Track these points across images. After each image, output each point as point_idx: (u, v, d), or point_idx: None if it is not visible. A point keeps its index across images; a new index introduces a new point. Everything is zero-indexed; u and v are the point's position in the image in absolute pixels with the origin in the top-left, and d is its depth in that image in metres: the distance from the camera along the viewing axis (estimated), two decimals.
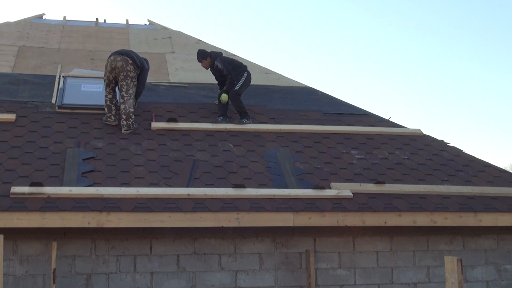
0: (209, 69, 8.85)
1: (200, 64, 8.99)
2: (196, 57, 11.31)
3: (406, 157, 8.28)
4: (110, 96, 8.19)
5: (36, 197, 6.46)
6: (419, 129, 9.04)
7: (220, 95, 8.50)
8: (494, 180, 8.02)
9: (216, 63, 8.61)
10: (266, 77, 10.35)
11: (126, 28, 12.21)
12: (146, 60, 8.68)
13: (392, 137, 8.74)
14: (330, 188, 7.32)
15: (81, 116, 8.24)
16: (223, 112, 8.51)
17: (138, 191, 6.76)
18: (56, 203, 6.42)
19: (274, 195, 7.02)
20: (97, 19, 12.86)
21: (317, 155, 8.04)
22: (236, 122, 8.38)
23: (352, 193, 7.23)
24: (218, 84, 8.88)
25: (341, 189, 7.26)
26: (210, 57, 8.71)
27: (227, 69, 8.55)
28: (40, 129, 7.82)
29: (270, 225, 6.82)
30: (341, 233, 7.26)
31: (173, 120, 8.29)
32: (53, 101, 8.52)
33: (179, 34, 12.01)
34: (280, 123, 8.67)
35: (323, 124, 8.77)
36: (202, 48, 11.32)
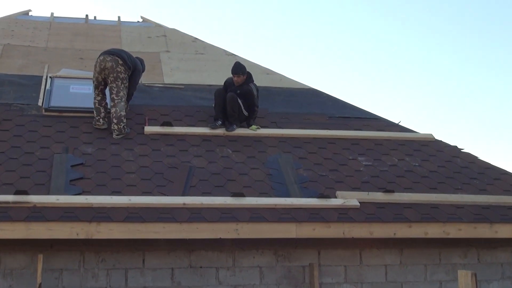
0: (231, 82, 8.52)
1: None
2: (190, 55, 11.24)
3: (417, 164, 8.28)
4: (99, 98, 8.20)
5: (21, 206, 6.45)
6: (431, 134, 9.06)
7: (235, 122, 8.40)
8: (511, 189, 8.02)
9: (251, 86, 8.45)
10: (267, 78, 10.36)
11: (118, 26, 12.24)
12: (141, 60, 8.68)
13: (402, 142, 8.75)
14: (335, 197, 7.32)
15: (69, 119, 8.25)
16: (218, 114, 8.43)
17: (130, 200, 6.77)
18: (42, 213, 6.42)
19: (275, 205, 7.03)
20: (87, 15, 12.89)
21: (321, 161, 8.05)
22: (227, 129, 8.36)
23: (359, 202, 7.23)
24: (224, 90, 8.54)
25: (347, 198, 7.27)
26: (246, 75, 8.51)
27: (257, 101, 8.49)
28: (26, 133, 7.83)
29: (271, 236, 6.82)
30: (348, 245, 7.26)
31: (168, 124, 8.29)
32: (40, 103, 8.53)
33: (175, 32, 12.03)
34: (282, 127, 8.68)
35: (328, 129, 8.78)
36: (199, 46, 11.40)
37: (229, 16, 29.02)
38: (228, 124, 8.41)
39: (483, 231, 7.26)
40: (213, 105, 8.58)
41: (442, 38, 27.30)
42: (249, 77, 8.55)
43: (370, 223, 7.02)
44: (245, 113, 8.46)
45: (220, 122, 8.36)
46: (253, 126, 8.49)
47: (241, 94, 8.38)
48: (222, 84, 8.77)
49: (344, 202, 7.19)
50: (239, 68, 8.47)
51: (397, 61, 27.79)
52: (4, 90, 8.83)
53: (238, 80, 8.44)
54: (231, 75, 8.56)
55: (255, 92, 8.46)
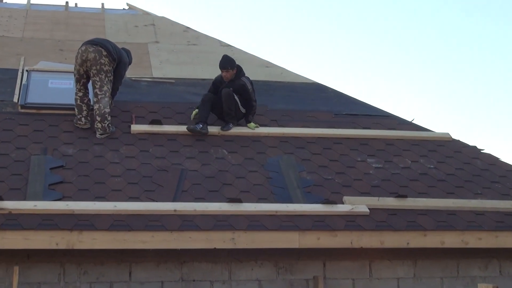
0: (221, 77, 8.49)
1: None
2: (181, 47, 11.21)
3: (432, 166, 8.29)
4: (80, 94, 8.20)
5: None
6: (448, 133, 9.07)
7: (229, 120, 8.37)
8: None
9: (244, 80, 8.41)
10: (267, 72, 10.37)
11: (102, 14, 12.25)
12: (128, 52, 8.68)
13: (416, 142, 8.76)
14: (342, 203, 7.33)
15: (48, 117, 8.24)
16: (203, 118, 8.25)
17: (115, 206, 6.76)
18: (18, 220, 6.41)
19: (276, 211, 7.03)
20: (67, 2, 12.91)
21: (327, 163, 8.05)
22: (222, 128, 8.34)
23: (369, 208, 7.24)
24: (210, 92, 8.53)
25: (355, 204, 7.27)
26: (236, 69, 8.48)
27: (254, 95, 8.46)
28: (0, 132, 7.82)
29: (272, 246, 6.82)
30: (356, 256, 7.27)
31: (157, 122, 8.30)
32: (15, 99, 8.53)
33: (164, 20, 12.05)
34: (283, 126, 8.68)
35: (334, 127, 8.79)
36: (191, 36, 11.41)
37: (224, 3, 29.03)
38: (224, 123, 8.40)
39: (506, 240, 7.27)
40: (197, 106, 8.43)
41: (458, 26, 27.35)
42: (239, 71, 8.52)
43: (381, 231, 7.02)
44: (243, 110, 8.46)
45: (200, 126, 8.16)
46: (252, 124, 8.48)
47: (235, 90, 8.36)
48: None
49: (352, 209, 7.19)
50: (228, 61, 8.44)
51: (410, 53, 27.79)
52: None
53: (227, 75, 8.41)
54: (236, 71, 8.50)
55: (249, 86, 8.45)
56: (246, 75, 8.60)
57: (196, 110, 8.40)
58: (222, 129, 8.32)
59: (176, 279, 6.92)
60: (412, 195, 7.62)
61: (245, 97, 8.43)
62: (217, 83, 8.58)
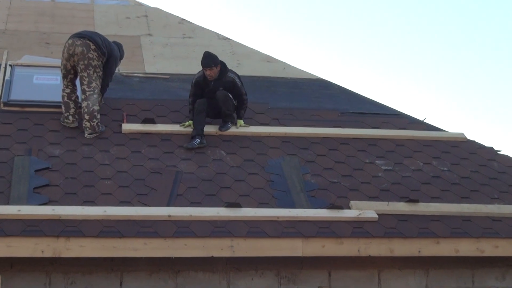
0: (204, 74, 8.37)
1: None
2: (176, 40, 11.19)
3: (445, 169, 8.29)
4: (68, 90, 8.20)
5: None
6: (462, 133, 9.07)
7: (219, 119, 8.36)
8: None
9: (231, 76, 8.38)
10: (268, 67, 10.37)
11: (91, 4, 12.26)
12: (119, 45, 8.68)
13: (428, 143, 8.77)
14: (349, 208, 7.35)
15: (33, 115, 8.24)
16: (200, 131, 8.12)
17: (105, 211, 6.77)
18: (0, 226, 6.41)
19: (278, 217, 7.04)
20: None
21: (332, 165, 8.06)
22: (220, 127, 8.33)
23: (378, 214, 7.25)
24: (196, 96, 8.40)
25: (363, 209, 7.28)
26: (220, 65, 8.39)
27: (244, 88, 8.43)
28: None
29: (273, 255, 6.83)
30: (364, 265, 7.27)
31: (150, 121, 8.30)
32: None
33: (158, 11, 12.06)
34: (285, 125, 8.69)
35: (341, 127, 8.79)
36: (187, 28, 11.40)
37: None
38: (222, 122, 8.39)
39: None
40: (192, 118, 8.31)
41: (472, 20, 27.36)
42: (223, 67, 8.44)
43: (390, 239, 7.03)
44: (235, 103, 8.46)
45: (198, 141, 8.03)
46: (241, 121, 8.45)
47: (226, 89, 8.29)
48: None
49: (359, 214, 7.20)
50: (211, 59, 8.32)
51: (421, 47, 27.77)
52: None
53: (211, 73, 8.31)
54: (220, 67, 8.45)
55: (238, 80, 8.43)
56: (236, 71, 8.61)
57: (190, 121, 8.33)
58: (220, 129, 8.32)
59: None
60: (424, 199, 7.63)
61: (235, 93, 8.39)
62: (201, 84, 8.42)
